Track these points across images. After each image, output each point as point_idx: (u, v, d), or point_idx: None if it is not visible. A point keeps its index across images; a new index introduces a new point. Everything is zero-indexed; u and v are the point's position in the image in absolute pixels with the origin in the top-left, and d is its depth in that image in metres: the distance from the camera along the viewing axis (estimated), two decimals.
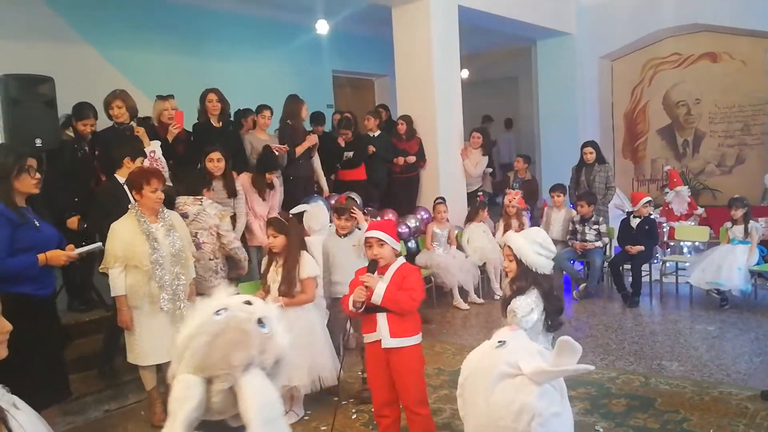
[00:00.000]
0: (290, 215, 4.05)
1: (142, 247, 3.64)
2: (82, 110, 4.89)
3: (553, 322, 2.98)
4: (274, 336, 1.35)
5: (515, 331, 1.75)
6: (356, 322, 3.95)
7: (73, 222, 4.50)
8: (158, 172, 3.87)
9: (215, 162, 4.98)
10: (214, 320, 1.33)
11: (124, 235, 3.66)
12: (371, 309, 3.12)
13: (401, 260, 3.20)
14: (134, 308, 3.71)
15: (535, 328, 2.89)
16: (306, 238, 4.62)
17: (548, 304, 2.94)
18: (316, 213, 4.77)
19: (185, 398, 1.28)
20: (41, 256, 3.06)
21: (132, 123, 5.12)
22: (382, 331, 3.10)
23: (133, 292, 3.68)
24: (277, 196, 5.64)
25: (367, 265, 3.15)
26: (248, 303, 1.37)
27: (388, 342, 3.09)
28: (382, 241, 3.10)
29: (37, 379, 2.29)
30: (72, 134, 4.94)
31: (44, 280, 3.18)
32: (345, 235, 4.13)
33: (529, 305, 2.88)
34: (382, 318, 3.10)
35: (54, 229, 3.31)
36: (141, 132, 5.09)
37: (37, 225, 3.13)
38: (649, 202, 6.54)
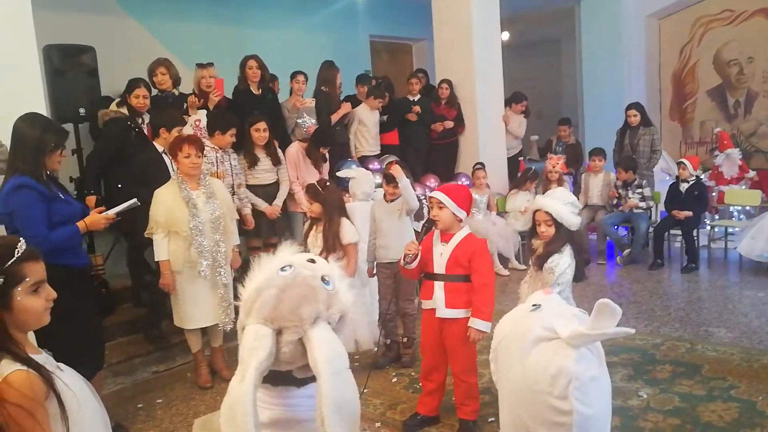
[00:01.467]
0: (327, 182, 4.03)
1: (181, 214, 3.70)
2: (133, 82, 4.78)
3: (580, 273, 3.14)
4: (338, 293, 1.40)
5: (550, 294, 1.73)
6: (405, 288, 3.99)
7: (90, 200, 4.40)
8: (193, 139, 3.89)
9: (261, 132, 5.04)
10: (281, 275, 1.37)
11: (166, 201, 3.73)
12: (430, 276, 3.11)
13: (467, 230, 3.12)
14: (177, 273, 3.79)
15: (568, 282, 3.02)
16: (349, 205, 4.64)
17: (579, 256, 3.09)
18: (361, 180, 4.73)
19: (257, 347, 1.32)
20: (81, 224, 3.08)
21: (175, 90, 5.15)
22: (437, 301, 3.08)
23: (174, 258, 3.76)
24: (327, 166, 5.66)
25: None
26: (312, 261, 1.40)
27: (443, 312, 3.07)
28: (442, 203, 3.04)
29: (75, 349, 2.35)
30: (126, 111, 4.78)
31: (80, 249, 3.21)
32: (392, 201, 4.08)
33: (566, 262, 3.01)
34: (438, 287, 3.08)
35: (77, 201, 3.31)
36: (192, 102, 5.13)
37: (63, 198, 3.12)
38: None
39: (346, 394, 1.31)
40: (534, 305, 1.61)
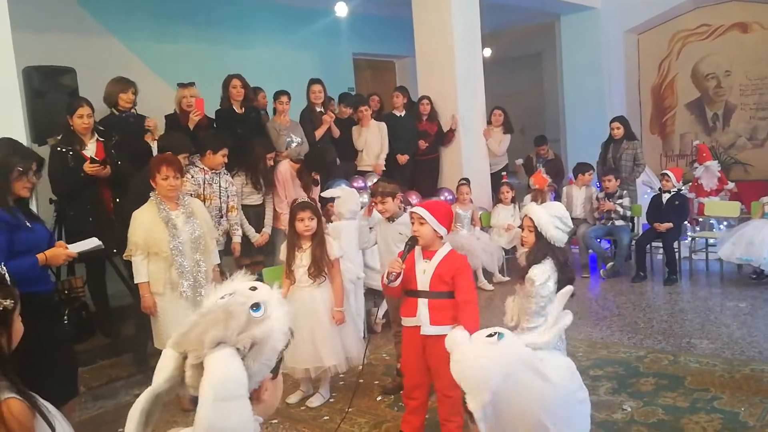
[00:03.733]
0: (314, 200, 4.05)
1: (161, 234, 3.67)
2: (75, 101, 4.57)
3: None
4: (265, 320, 1.32)
5: (462, 329, 1.73)
6: (392, 306, 3.93)
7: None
8: (171, 160, 3.84)
9: (272, 161, 5.27)
10: (216, 304, 1.35)
11: (145, 222, 3.69)
12: (412, 293, 3.10)
13: (448, 246, 3.13)
14: (157, 294, 3.75)
15: (550, 296, 2.97)
16: (335, 224, 4.64)
17: (561, 275, 3.05)
18: (347, 198, 4.73)
19: (159, 369, 1.32)
20: (41, 256, 2.98)
21: (134, 110, 5.09)
22: (422, 318, 3.07)
23: (154, 279, 3.72)
24: (318, 190, 5.67)
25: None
26: (254, 288, 1.37)
27: (428, 329, 3.06)
28: (423, 219, 3.04)
29: (44, 376, 2.28)
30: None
31: (43, 276, 3.10)
32: (391, 220, 4.01)
33: (546, 272, 3.00)
34: (423, 304, 3.07)
35: (44, 227, 3.20)
36: (153, 124, 5.10)
37: (29, 225, 3.02)
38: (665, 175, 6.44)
39: (227, 423, 1.23)
40: (492, 334, 1.57)
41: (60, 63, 4.95)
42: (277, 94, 6.05)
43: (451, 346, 1.52)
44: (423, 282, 3.06)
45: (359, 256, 4.74)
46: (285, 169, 5.44)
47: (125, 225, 3.78)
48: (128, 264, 3.92)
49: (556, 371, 1.58)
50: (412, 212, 3.12)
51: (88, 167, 4.29)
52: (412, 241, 3.08)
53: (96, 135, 4.54)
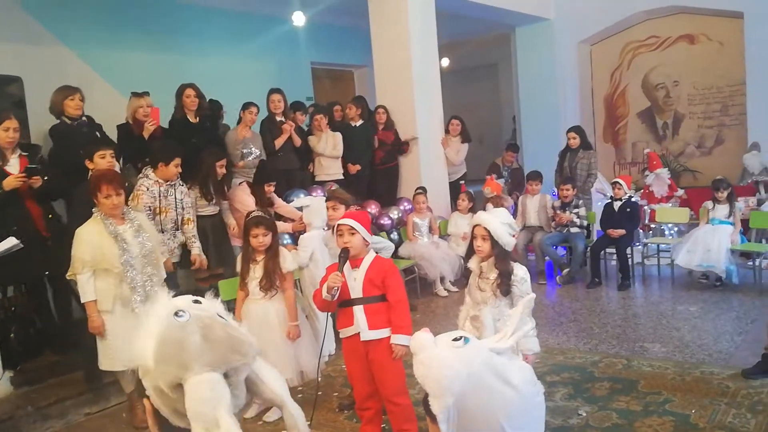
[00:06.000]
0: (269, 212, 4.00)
1: (110, 250, 3.55)
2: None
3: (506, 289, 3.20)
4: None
5: (429, 332, 1.74)
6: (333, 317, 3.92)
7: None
8: (110, 177, 3.66)
9: (224, 168, 5.16)
10: (180, 321, 1.31)
11: (92, 239, 3.55)
12: (347, 303, 3.11)
13: (373, 253, 3.20)
14: (106, 312, 3.62)
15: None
16: (305, 234, 4.59)
17: None
18: (317, 208, 4.68)
19: (218, 396, 1.28)
20: None
21: (85, 118, 4.96)
22: (360, 324, 3.09)
23: (103, 297, 3.59)
24: (280, 201, 5.60)
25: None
26: (197, 302, 1.35)
27: (367, 334, 3.08)
28: (354, 229, 3.08)
29: None
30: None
31: None
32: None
33: (524, 271, 3.15)
34: (359, 310, 3.09)
35: None
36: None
37: None
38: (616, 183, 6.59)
39: None
40: (458, 339, 1.58)
41: (5, 71, 4.80)
42: (246, 105, 5.97)
43: (417, 349, 1.53)
44: (356, 289, 3.09)
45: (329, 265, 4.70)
46: (241, 190, 5.35)
47: (61, 243, 3.63)
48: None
49: (519, 375, 1.59)
50: (341, 225, 3.14)
51: (11, 180, 4.05)
52: (345, 253, 3.09)
53: (19, 150, 4.31)
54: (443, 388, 1.46)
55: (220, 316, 1.36)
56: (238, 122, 6.05)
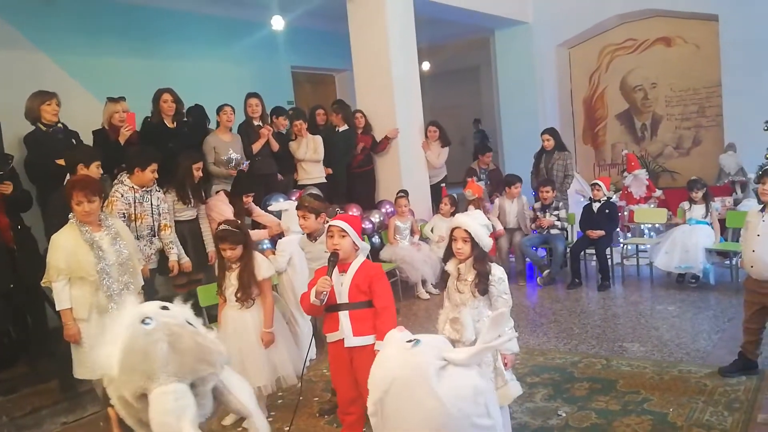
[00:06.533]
0: (237, 220, 3.95)
1: (86, 257, 3.49)
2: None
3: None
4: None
5: (404, 331, 1.75)
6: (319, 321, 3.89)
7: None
8: (83, 184, 3.59)
9: (200, 171, 5.11)
10: (150, 329, 1.29)
11: (67, 246, 3.50)
12: (333, 308, 3.08)
13: (362, 257, 3.16)
14: (81, 321, 3.56)
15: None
16: (284, 239, 4.55)
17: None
18: (295, 213, 4.64)
19: (185, 406, 1.26)
20: None
21: (61, 125, 4.90)
22: (345, 330, 3.06)
23: (79, 305, 3.53)
24: (258, 209, 5.55)
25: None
26: (165, 308, 1.33)
27: (351, 341, 3.05)
28: (344, 232, 3.05)
29: None
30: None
31: None
32: (313, 239, 3.92)
33: (501, 271, 3.12)
34: (344, 316, 3.06)
35: None
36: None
37: None
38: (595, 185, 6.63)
39: None
40: (410, 341, 1.60)
41: None
42: (222, 107, 5.92)
43: (382, 345, 1.58)
44: (342, 294, 3.07)
45: (307, 270, 4.67)
46: (220, 200, 5.31)
47: (30, 254, 3.57)
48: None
49: (454, 392, 1.59)
50: (331, 226, 3.11)
51: None
52: (335, 257, 3.06)
53: None
54: (375, 382, 1.60)
55: (189, 323, 1.33)
56: (217, 126, 6.02)
